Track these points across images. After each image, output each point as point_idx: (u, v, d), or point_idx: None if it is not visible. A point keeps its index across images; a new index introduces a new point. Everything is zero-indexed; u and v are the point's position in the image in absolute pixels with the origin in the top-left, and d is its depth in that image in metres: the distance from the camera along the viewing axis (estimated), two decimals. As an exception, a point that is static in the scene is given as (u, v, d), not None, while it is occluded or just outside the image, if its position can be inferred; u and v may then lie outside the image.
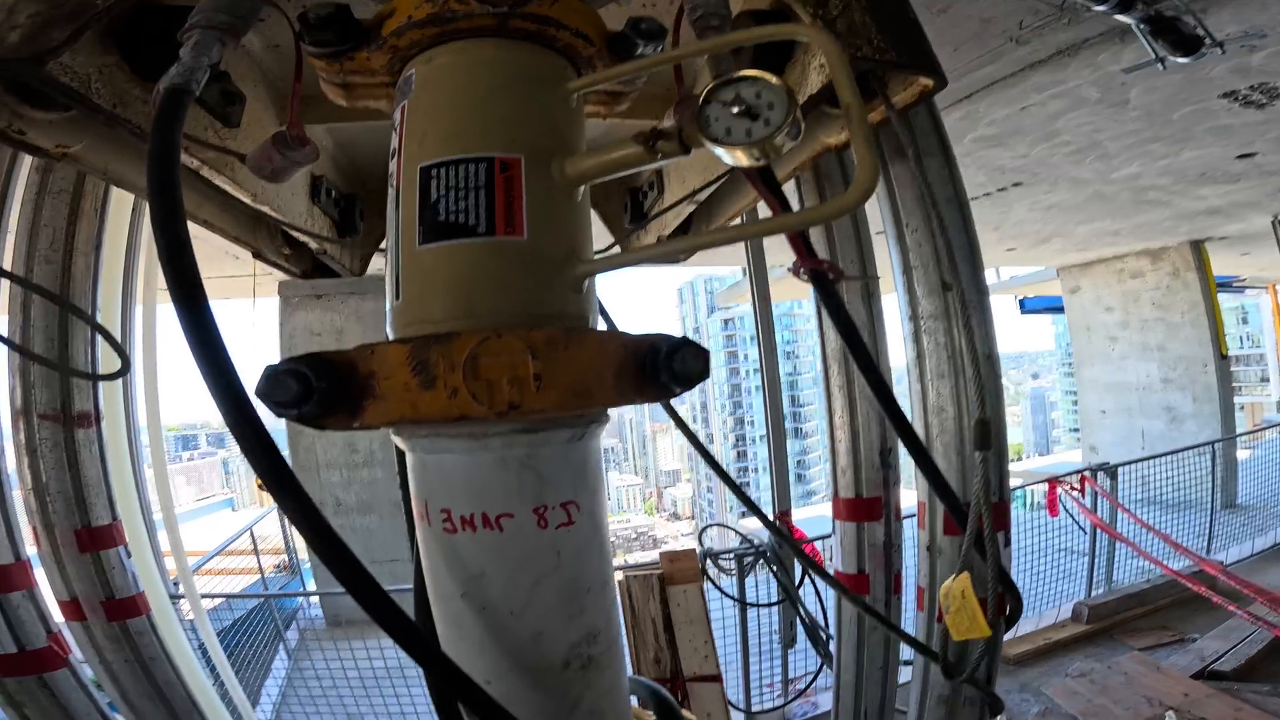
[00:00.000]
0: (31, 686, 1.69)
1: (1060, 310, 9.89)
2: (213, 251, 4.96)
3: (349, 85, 0.75)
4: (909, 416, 1.09)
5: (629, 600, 2.88)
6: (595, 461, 0.64)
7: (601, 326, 0.72)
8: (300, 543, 6.45)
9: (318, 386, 0.52)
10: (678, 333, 0.62)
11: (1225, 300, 9.04)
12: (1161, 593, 5.17)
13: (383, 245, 1.68)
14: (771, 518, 2.67)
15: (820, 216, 0.54)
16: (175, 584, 2.96)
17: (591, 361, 0.56)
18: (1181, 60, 2.73)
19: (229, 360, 0.50)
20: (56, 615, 1.78)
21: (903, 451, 1.25)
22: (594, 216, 0.86)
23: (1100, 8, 2.37)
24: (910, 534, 1.98)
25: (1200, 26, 2.65)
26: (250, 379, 0.51)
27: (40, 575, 1.77)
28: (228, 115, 1.01)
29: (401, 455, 0.63)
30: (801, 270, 0.75)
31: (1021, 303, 12.84)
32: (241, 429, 0.48)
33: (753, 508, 1.42)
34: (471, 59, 0.65)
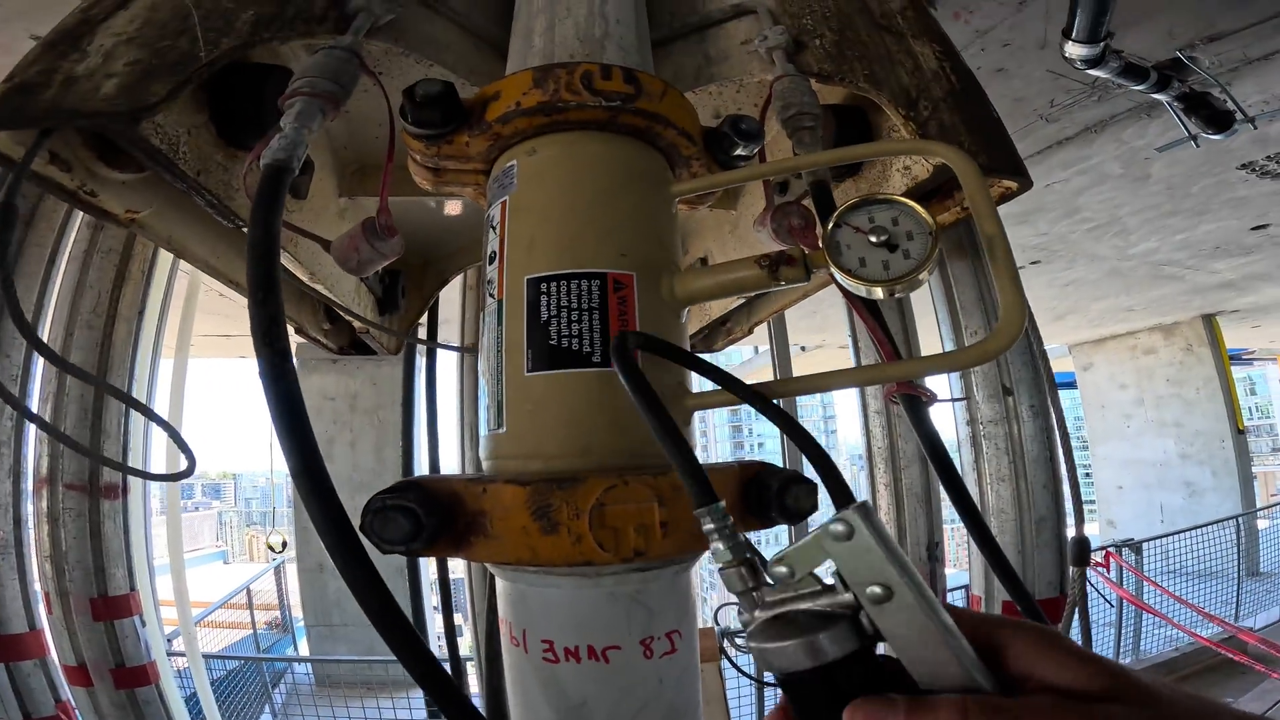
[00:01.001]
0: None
1: (1072, 386, 9.82)
2: (227, 306, 5.01)
3: (440, 170, 0.70)
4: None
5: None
6: (692, 588, 0.61)
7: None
8: (295, 600, 6.30)
9: (427, 524, 0.48)
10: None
11: (1234, 372, 9.00)
12: (1190, 660, 5.08)
13: (421, 321, 1.62)
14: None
15: (957, 365, 0.51)
16: (169, 640, 2.86)
17: (712, 503, 0.53)
18: (1214, 137, 2.75)
19: (326, 476, 0.47)
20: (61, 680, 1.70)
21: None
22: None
23: (1138, 87, 2.39)
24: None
25: (1230, 100, 2.67)
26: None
27: (47, 639, 1.69)
28: (298, 186, 0.96)
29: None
30: (894, 395, 0.73)
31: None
32: (340, 552, 0.44)
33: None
34: (580, 155, 0.62)
